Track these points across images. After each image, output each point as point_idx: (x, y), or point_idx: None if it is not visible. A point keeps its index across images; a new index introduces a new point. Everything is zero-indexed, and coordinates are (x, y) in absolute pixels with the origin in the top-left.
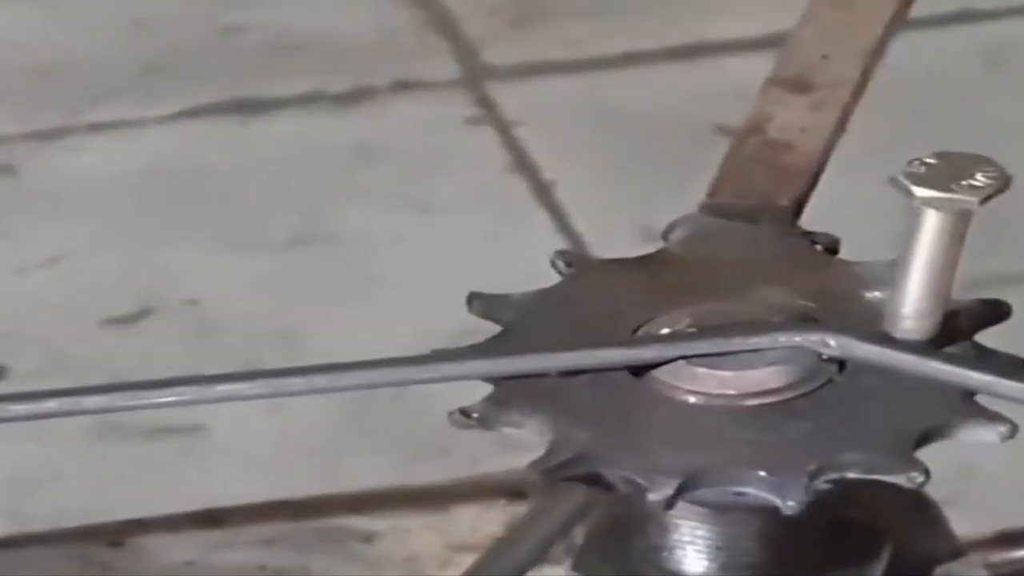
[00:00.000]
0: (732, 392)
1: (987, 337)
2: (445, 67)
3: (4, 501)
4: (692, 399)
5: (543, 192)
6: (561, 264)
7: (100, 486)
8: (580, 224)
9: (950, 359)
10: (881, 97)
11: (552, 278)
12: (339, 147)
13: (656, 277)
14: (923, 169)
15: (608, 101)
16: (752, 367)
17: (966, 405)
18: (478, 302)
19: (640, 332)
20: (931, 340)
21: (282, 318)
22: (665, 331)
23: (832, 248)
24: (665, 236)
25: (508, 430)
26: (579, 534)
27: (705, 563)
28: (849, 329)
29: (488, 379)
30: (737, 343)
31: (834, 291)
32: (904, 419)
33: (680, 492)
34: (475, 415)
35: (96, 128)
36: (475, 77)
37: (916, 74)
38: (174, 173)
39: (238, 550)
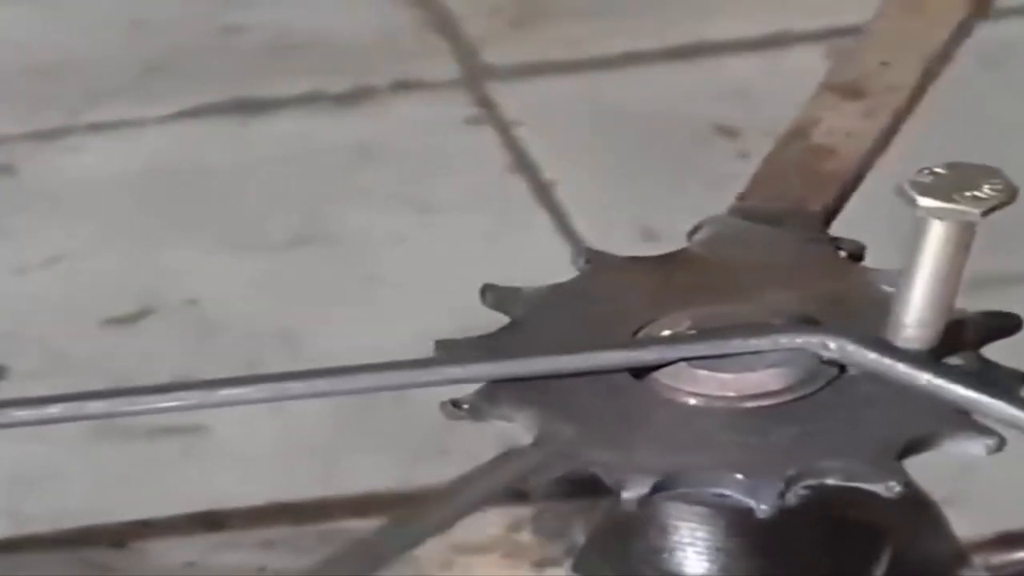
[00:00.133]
0: (727, 394)
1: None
2: (445, 67)
3: (4, 501)
4: (685, 400)
5: (543, 192)
6: (580, 260)
7: (100, 486)
8: (580, 224)
9: (940, 371)
10: None
11: (552, 278)
12: (339, 147)
13: (670, 277)
14: (930, 178)
15: (608, 101)
16: (751, 369)
17: (956, 417)
18: (491, 294)
19: (642, 333)
20: (932, 350)
21: (282, 318)
22: (666, 333)
23: (857, 255)
24: (689, 236)
25: (498, 422)
26: (580, 535)
27: (705, 564)
28: (848, 333)
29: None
30: (737, 345)
31: (847, 297)
32: (893, 427)
33: (655, 491)
34: (466, 406)
35: (96, 128)
36: (475, 77)
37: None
38: (174, 173)
39: (238, 552)
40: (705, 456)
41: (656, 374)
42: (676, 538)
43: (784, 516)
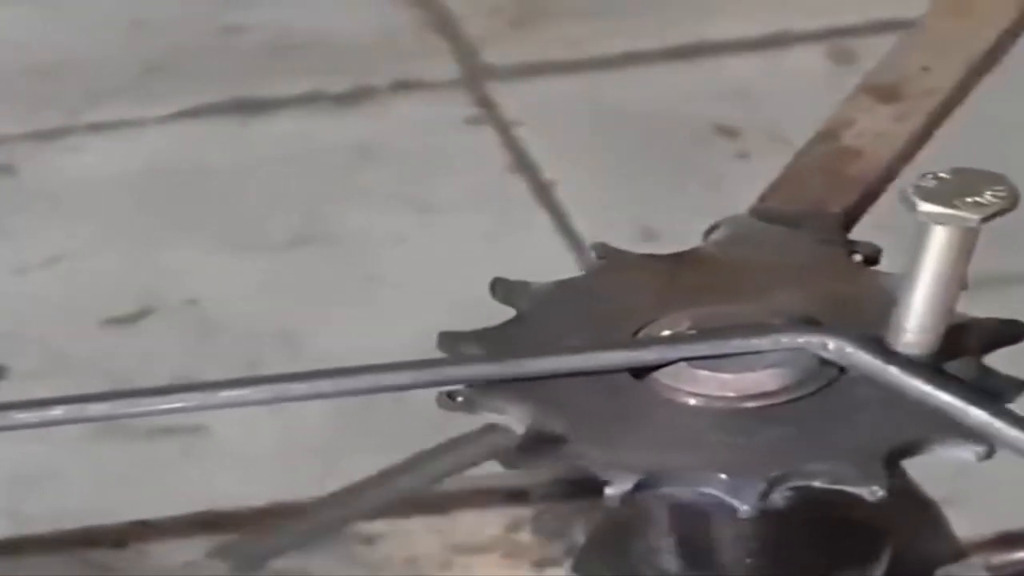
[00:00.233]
0: (724, 394)
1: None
2: (445, 67)
3: (4, 501)
4: (680, 399)
5: (543, 192)
6: (593, 255)
7: (100, 486)
8: (580, 224)
9: (930, 377)
10: None
11: (551, 278)
12: (339, 147)
13: (678, 276)
14: (933, 183)
15: (608, 101)
16: (749, 370)
17: (948, 422)
18: (500, 287)
19: (642, 332)
20: (932, 355)
21: (282, 318)
22: (665, 332)
23: (872, 258)
24: (705, 235)
25: (490, 415)
26: (580, 535)
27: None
28: (848, 334)
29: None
30: (738, 345)
31: (855, 300)
32: (883, 431)
33: (638, 489)
34: (460, 399)
35: (96, 128)
36: (475, 77)
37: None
38: (174, 173)
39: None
40: (691, 455)
41: (654, 373)
42: (676, 538)
43: (784, 516)
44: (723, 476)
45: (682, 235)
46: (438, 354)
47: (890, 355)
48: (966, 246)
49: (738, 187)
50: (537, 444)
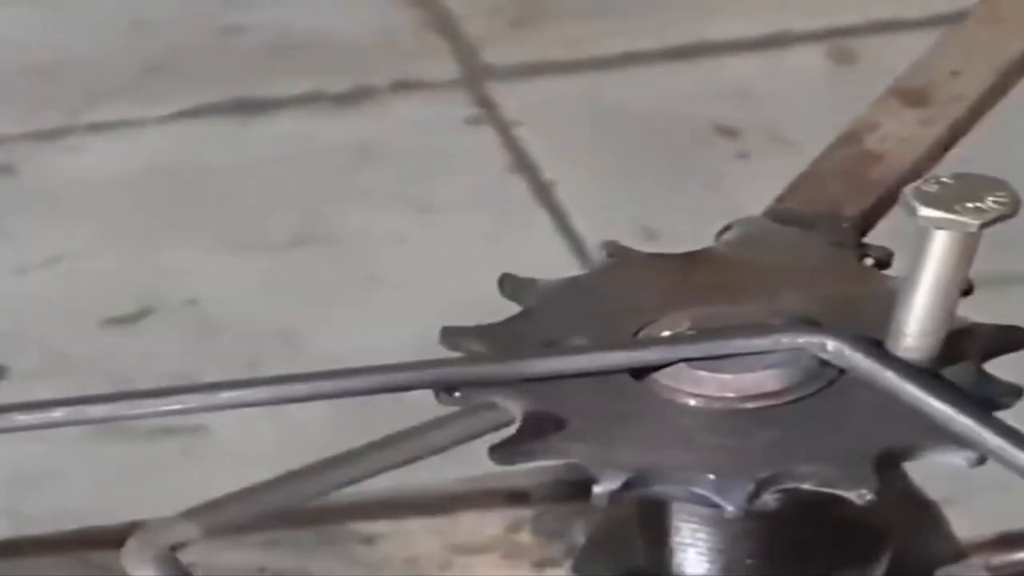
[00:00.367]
0: (723, 395)
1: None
2: (445, 67)
3: (4, 501)
4: (678, 399)
5: (543, 192)
6: (603, 254)
7: (100, 486)
8: (580, 224)
9: (924, 382)
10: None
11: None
12: (339, 147)
13: (686, 276)
14: (935, 188)
15: (608, 101)
16: (748, 370)
17: (942, 427)
18: (508, 283)
19: (642, 332)
20: (931, 360)
21: (282, 318)
22: (665, 332)
23: (883, 262)
24: (718, 236)
25: (486, 409)
26: (580, 535)
27: (706, 565)
28: (847, 336)
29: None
30: (739, 345)
31: (861, 303)
32: (877, 434)
33: (627, 487)
34: (458, 394)
35: (96, 128)
36: (475, 77)
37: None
38: (174, 173)
39: (238, 552)
40: (683, 455)
41: (653, 373)
42: (677, 539)
43: (784, 517)
44: (711, 476)
45: (682, 235)
46: (438, 354)
47: (888, 358)
48: (966, 251)
49: (738, 187)
50: (529, 441)
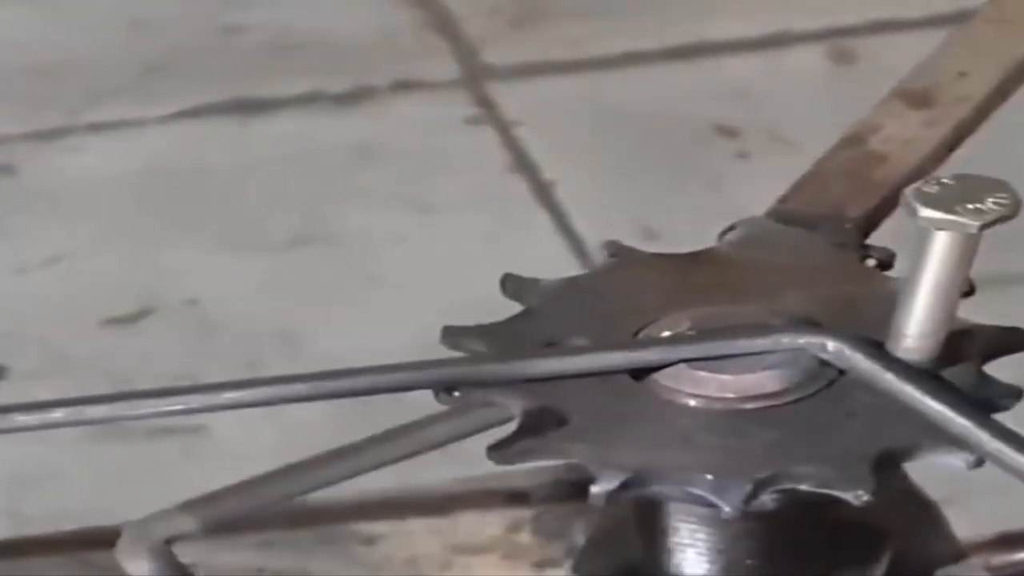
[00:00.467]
0: (723, 395)
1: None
2: (445, 67)
3: (4, 501)
4: (677, 400)
5: (543, 192)
6: (606, 253)
7: (100, 486)
8: (580, 224)
9: (922, 383)
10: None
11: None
12: (339, 147)
13: (687, 276)
14: (935, 189)
15: (608, 101)
16: (748, 371)
17: (940, 429)
18: (511, 283)
19: (643, 332)
20: (931, 361)
21: (282, 318)
22: (665, 333)
23: (886, 263)
24: (720, 236)
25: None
26: (580, 535)
27: (706, 566)
28: (847, 336)
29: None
30: (740, 345)
31: (861, 304)
32: (876, 435)
33: (625, 487)
34: (457, 393)
35: (96, 128)
36: (475, 77)
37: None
38: (174, 173)
39: (238, 552)
40: (681, 455)
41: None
42: (676, 539)
43: (784, 517)
44: (709, 477)
45: (682, 235)
46: (438, 354)
47: (888, 359)
48: (966, 252)
49: (738, 187)
50: (527, 440)
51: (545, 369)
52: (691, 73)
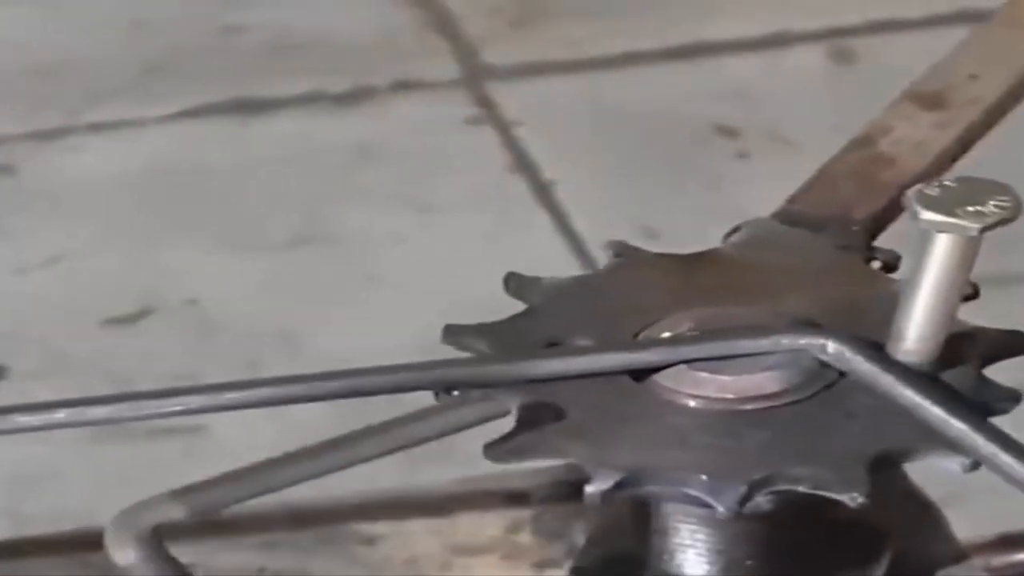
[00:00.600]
0: (723, 396)
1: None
2: (445, 67)
3: (4, 501)
4: (677, 400)
5: (543, 192)
6: (610, 253)
7: (101, 486)
8: (580, 224)
9: (920, 386)
10: (882, 99)
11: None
12: (339, 147)
13: (690, 276)
14: (937, 191)
15: (608, 101)
16: (747, 372)
17: (936, 432)
18: (513, 282)
19: (644, 332)
20: (931, 363)
21: (282, 318)
22: (666, 333)
23: (891, 265)
24: (725, 237)
25: (483, 403)
26: (580, 536)
27: (705, 566)
28: (847, 338)
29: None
30: (741, 346)
31: (864, 306)
32: (873, 437)
33: (619, 487)
34: (456, 392)
35: (96, 128)
36: (475, 77)
37: (916, 75)
38: (174, 173)
39: (238, 552)
40: (676, 456)
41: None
42: (676, 540)
43: (784, 517)
44: (704, 477)
45: (682, 235)
46: (438, 354)
47: (887, 362)
48: (967, 255)
49: (738, 187)
50: (523, 439)
51: (545, 370)
52: (691, 73)
